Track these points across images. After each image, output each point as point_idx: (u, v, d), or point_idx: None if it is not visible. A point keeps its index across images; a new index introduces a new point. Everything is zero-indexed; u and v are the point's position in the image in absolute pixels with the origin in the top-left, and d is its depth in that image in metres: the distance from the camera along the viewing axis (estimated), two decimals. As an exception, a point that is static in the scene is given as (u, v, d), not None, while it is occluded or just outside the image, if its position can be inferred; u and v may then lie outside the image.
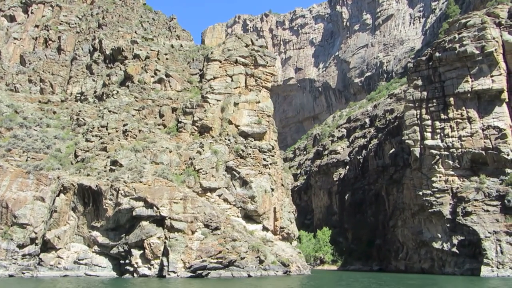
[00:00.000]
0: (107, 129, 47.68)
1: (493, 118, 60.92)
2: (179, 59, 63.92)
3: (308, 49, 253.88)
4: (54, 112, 55.55)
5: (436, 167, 61.72)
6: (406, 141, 67.77)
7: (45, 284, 30.26)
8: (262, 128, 54.50)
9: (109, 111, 49.82)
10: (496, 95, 61.46)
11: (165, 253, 36.63)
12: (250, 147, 51.96)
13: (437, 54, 68.29)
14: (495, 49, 61.80)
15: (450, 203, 59.24)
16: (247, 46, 61.23)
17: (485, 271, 51.13)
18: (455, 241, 56.42)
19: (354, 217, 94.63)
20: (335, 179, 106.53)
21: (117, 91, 53.92)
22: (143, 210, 38.30)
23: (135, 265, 36.65)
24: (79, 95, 59.89)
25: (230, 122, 53.57)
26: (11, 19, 66.15)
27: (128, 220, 38.92)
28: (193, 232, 38.63)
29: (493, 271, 50.89)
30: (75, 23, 67.84)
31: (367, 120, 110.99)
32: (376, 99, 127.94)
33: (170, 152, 45.89)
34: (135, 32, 67.29)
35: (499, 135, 59.43)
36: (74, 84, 60.54)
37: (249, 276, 39.05)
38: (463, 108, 62.64)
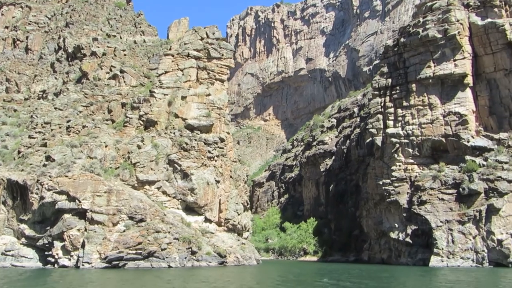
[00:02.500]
0: (50, 126, 49.45)
1: (455, 103, 58.96)
2: (139, 54, 65.00)
3: (319, 39, 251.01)
4: (15, 110, 57.90)
5: (395, 155, 60.45)
6: (370, 130, 66.51)
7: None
8: (209, 121, 54.86)
9: (55, 108, 51.58)
10: (459, 80, 59.36)
11: (83, 245, 37.96)
12: (195, 139, 52.50)
13: (402, 39, 66.46)
14: (458, 32, 59.53)
15: (407, 192, 57.99)
16: (202, 39, 61.45)
17: (434, 261, 50.13)
18: (409, 231, 55.30)
19: (337, 208, 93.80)
20: (322, 170, 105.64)
21: (67, 88, 55.64)
22: (65, 203, 39.77)
23: (56, 256, 38.24)
24: (42, 93, 62.10)
25: (177, 116, 54.24)
26: (-17, 22, 69.21)
27: (53, 213, 40.55)
28: (114, 224, 39.77)
29: (442, 261, 49.81)
30: (44, 23, 70.14)
31: (355, 109, 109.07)
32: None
33: (106, 146, 47.13)
34: (101, 29, 68.80)
35: (459, 121, 57.56)
36: (38, 82, 62.82)
37: (170, 266, 39.89)
38: (425, 94, 60.91)
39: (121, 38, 66.85)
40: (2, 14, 69.60)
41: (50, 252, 38.90)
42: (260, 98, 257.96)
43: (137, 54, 64.49)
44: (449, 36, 59.63)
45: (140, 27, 72.09)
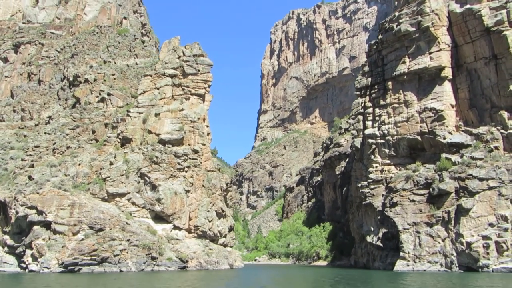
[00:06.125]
0: (39, 149, 56.20)
1: (431, 99, 56.63)
2: (129, 76, 70.70)
3: (362, 35, 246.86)
4: (25, 136, 66.13)
5: (372, 157, 59.14)
6: (351, 131, 65.48)
7: None
8: (179, 134, 58.39)
9: (45, 133, 58.49)
10: (436, 73, 56.90)
11: (46, 252, 43.13)
12: (166, 153, 56.27)
13: (380, 36, 64.98)
14: (432, 23, 57.13)
15: (382, 194, 56.41)
16: (179, 57, 65.47)
17: (399, 265, 48.71)
18: (380, 234, 53.81)
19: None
20: (337, 172, 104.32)
21: (59, 114, 62.57)
22: (34, 217, 45.45)
23: (27, 262, 43.90)
24: (48, 118, 70.03)
25: (150, 132, 58.49)
26: (5, 60, 79.78)
27: (27, 225, 46.42)
28: (74, 234, 44.58)
29: (408, 265, 48.24)
30: (54, 56, 78.98)
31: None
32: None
33: (80, 164, 52.56)
34: (100, 57, 75.90)
35: (435, 117, 55.19)
36: (46, 109, 71.03)
37: (121, 271, 43.71)
38: (401, 91, 59.13)
39: (115, 63, 73.20)
40: (20, 53, 79.87)
41: (23, 259, 44.73)
42: (305, 101, 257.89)
43: (127, 77, 70.24)
44: (423, 28, 57.38)
45: (134, 50, 78.21)
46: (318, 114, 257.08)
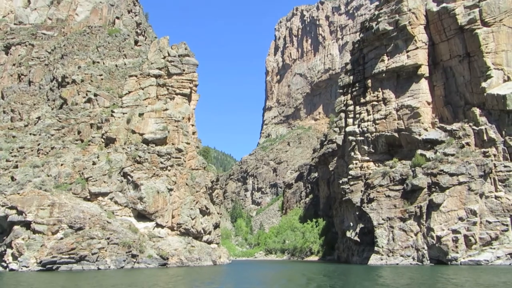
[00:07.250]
0: (24, 150, 57.70)
1: (408, 96, 57.34)
2: (117, 77, 71.89)
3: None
4: (14, 137, 67.65)
5: (352, 153, 59.98)
6: (333, 129, 66.31)
7: None
8: (163, 134, 59.56)
9: (30, 134, 59.96)
10: (413, 71, 57.52)
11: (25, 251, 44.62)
12: (149, 152, 57.50)
13: (361, 35, 65.58)
14: (409, 22, 57.70)
15: (361, 190, 57.28)
16: (164, 57, 66.51)
17: (373, 259, 49.78)
18: (358, 230, 54.78)
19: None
20: (330, 169, 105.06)
21: (45, 115, 64.02)
22: (15, 217, 46.87)
23: (7, 261, 45.38)
24: (37, 119, 71.54)
25: (134, 132, 59.70)
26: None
27: (8, 225, 47.88)
28: (53, 233, 45.98)
29: (382, 259, 49.27)
30: (45, 57, 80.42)
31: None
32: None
33: (62, 165, 53.96)
34: (89, 57, 77.18)
35: (411, 115, 55.93)
36: (36, 110, 72.55)
37: (99, 269, 45.13)
38: (380, 89, 59.81)
39: (103, 63, 74.47)
40: (10, 54, 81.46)
41: (4, 258, 46.24)
42: (309, 98, 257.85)
43: (115, 77, 71.46)
44: (400, 27, 57.97)
45: (123, 50, 79.38)
46: (322, 110, 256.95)
